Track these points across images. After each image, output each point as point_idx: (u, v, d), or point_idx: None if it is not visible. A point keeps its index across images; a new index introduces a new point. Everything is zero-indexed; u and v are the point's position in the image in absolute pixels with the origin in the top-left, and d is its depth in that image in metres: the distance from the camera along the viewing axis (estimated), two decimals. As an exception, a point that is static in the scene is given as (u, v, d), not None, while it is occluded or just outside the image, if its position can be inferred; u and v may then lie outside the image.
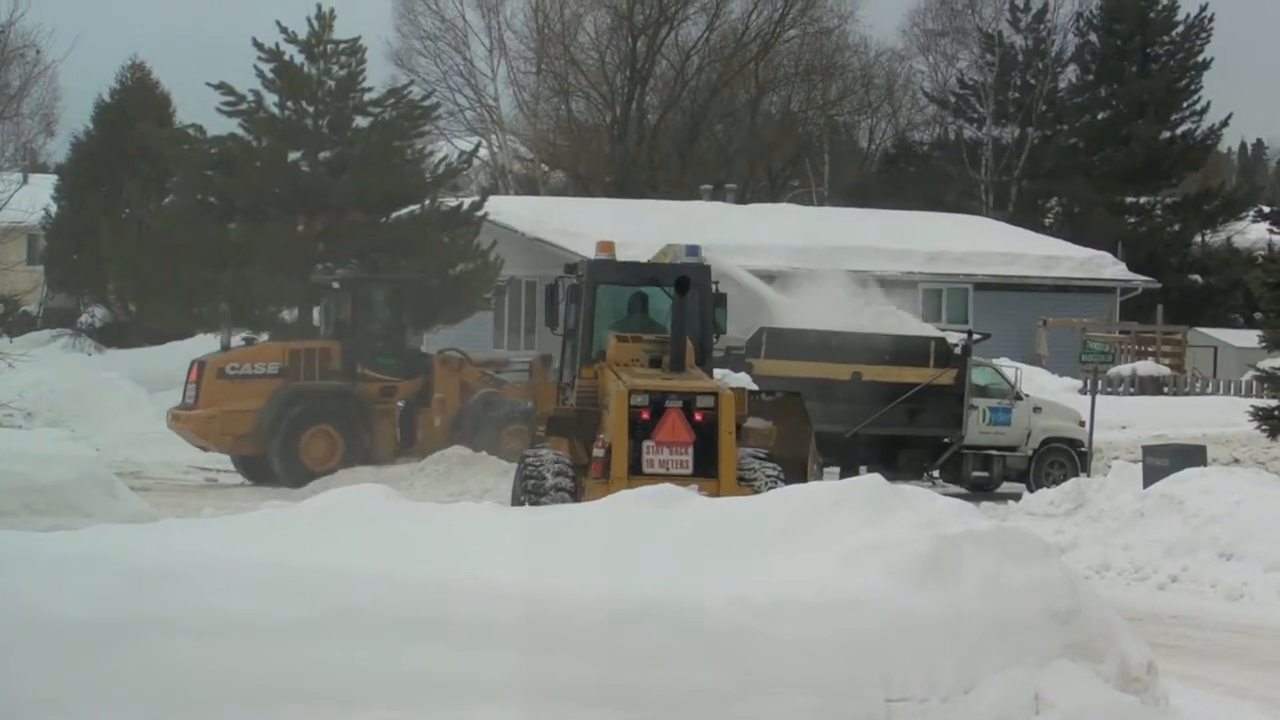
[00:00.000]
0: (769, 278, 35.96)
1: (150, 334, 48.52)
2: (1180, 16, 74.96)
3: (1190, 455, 23.54)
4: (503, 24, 77.24)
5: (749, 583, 9.52)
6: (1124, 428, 38.61)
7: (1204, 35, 74.80)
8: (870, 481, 11.13)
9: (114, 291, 51.68)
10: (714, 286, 23.37)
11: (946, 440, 29.91)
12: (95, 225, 44.80)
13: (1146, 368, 50.13)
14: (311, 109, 38.79)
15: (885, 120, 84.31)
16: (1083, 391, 32.30)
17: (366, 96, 39.74)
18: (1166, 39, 75.37)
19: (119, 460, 30.95)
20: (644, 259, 26.80)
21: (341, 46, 38.83)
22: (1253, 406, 32.04)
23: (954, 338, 30.82)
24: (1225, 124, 76.14)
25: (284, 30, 38.48)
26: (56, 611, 8.23)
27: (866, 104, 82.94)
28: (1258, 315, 38.76)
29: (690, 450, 20.58)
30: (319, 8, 38.62)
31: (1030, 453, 30.57)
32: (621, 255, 24.10)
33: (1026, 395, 31.41)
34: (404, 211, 38.89)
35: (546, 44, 76.87)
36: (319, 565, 8.92)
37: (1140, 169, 71.68)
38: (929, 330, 33.14)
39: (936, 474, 30.35)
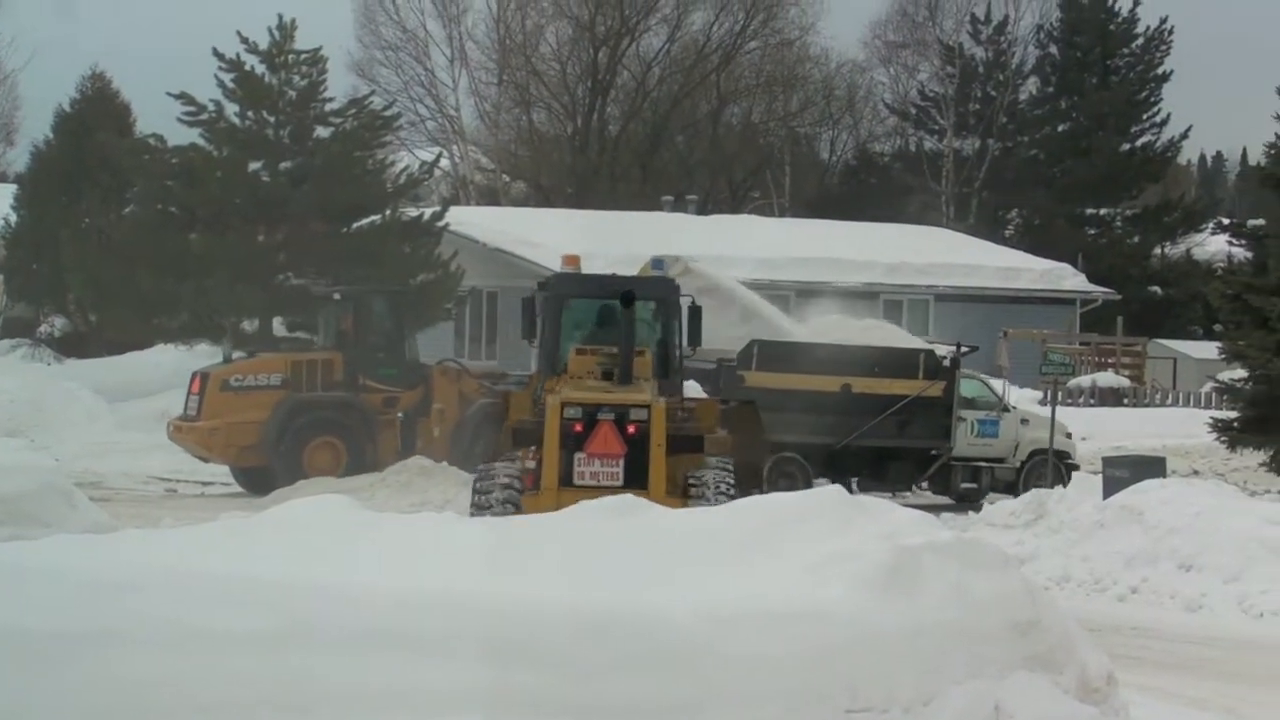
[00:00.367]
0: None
1: (110, 344, 48.33)
2: (1140, 29, 75.44)
3: (1150, 467, 23.58)
4: (464, 34, 77.40)
5: (711, 594, 9.51)
6: (1084, 439, 38.68)
7: (1164, 48, 75.23)
8: (831, 493, 11.15)
9: (74, 301, 51.44)
10: (691, 299, 23.63)
11: (935, 452, 30.01)
12: (55, 235, 44.70)
13: (1106, 379, 50.31)
14: (272, 119, 38.79)
15: (846, 132, 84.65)
16: (1043, 403, 32.44)
17: (328, 106, 39.79)
18: (1127, 51, 75.76)
19: (78, 470, 30.85)
20: (609, 271, 26.89)
21: (303, 56, 38.84)
22: (1212, 418, 32.16)
23: (942, 350, 30.94)
24: (1185, 136, 76.66)
25: (245, 40, 38.50)
26: (14, 622, 8.17)
27: (828, 115, 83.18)
28: (1217, 327, 39.02)
29: (621, 462, 20.82)
30: (280, 18, 38.68)
31: (1018, 465, 30.72)
32: (586, 267, 24.27)
33: (1014, 407, 31.61)
34: (365, 222, 38.89)
35: (508, 54, 76.92)
36: (280, 576, 8.88)
37: (1100, 181, 72.02)
38: (917, 342, 33.30)
39: (925, 485, 30.50)
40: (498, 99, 78.03)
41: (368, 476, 28.97)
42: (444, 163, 66.43)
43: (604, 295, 23.30)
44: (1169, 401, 50.06)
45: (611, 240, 43.14)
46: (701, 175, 78.91)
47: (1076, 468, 29.30)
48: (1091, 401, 47.89)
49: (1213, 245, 65.69)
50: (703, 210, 65.94)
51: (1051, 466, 29.53)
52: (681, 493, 21.02)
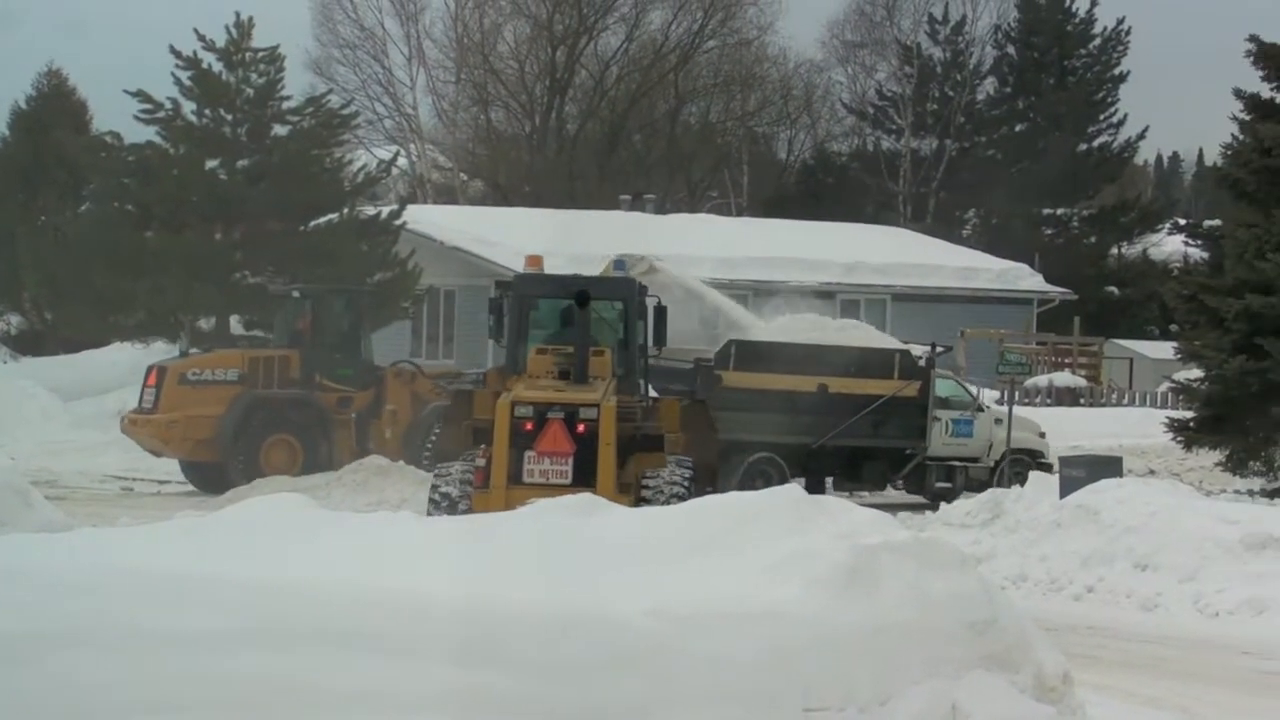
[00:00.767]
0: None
1: (66, 342, 48.19)
2: (1098, 30, 75.61)
3: (1106, 466, 23.67)
4: (422, 33, 77.14)
5: (669, 593, 9.52)
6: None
7: (1121, 49, 75.44)
8: (789, 492, 11.17)
9: (30, 299, 51.31)
10: (656, 300, 23.75)
11: (910, 452, 30.09)
12: (11, 232, 44.55)
13: (1063, 379, 50.42)
14: (229, 117, 38.66)
15: (804, 131, 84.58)
16: (999, 403, 32.53)
17: (285, 105, 39.65)
18: (1084, 52, 75.94)
19: (34, 469, 30.76)
20: (571, 271, 26.93)
21: (260, 54, 38.71)
22: (1168, 418, 32.22)
23: (917, 350, 31.03)
24: (1142, 137, 76.86)
25: (202, 38, 38.36)
26: (-30, 623, 8.13)
27: (785, 115, 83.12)
28: (1173, 327, 39.08)
29: (570, 460, 20.98)
30: (237, 15, 38.52)
31: (992, 464, 30.81)
32: (546, 267, 24.38)
33: (988, 407, 31.71)
34: (322, 220, 38.81)
35: (465, 53, 76.74)
36: (237, 576, 8.85)
37: (1057, 181, 72.11)
38: (894, 343, 33.39)
39: (900, 484, 30.59)
40: (455, 97, 77.90)
41: (324, 475, 28.91)
42: (401, 161, 66.29)
43: (567, 295, 23.37)
44: (1125, 401, 50.17)
45: (570, 239, 43.06)
46: (659, 174, 78.81)
47: (1049, 467, 29.34)
48: (1048, 401, 47.99)
49: (1169, 245, 65.90)
50: (661, 209, 65.90)
51: (1017, 464, 29.66)
52: (634, 492, 21.11)
